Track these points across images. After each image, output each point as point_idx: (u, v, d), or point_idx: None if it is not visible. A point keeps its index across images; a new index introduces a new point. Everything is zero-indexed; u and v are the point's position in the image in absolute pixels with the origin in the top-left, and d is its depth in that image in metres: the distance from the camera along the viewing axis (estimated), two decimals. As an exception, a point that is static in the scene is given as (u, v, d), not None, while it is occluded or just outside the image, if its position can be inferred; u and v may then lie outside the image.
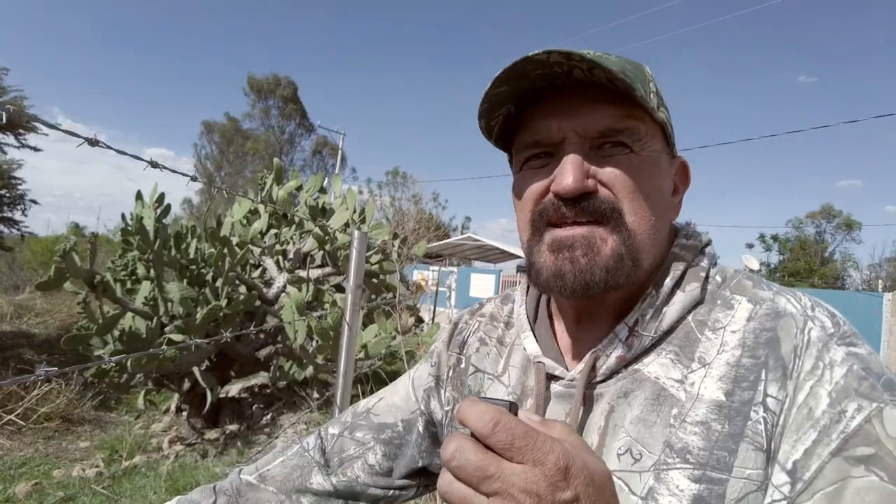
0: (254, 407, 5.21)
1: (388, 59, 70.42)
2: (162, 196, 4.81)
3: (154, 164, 0.88)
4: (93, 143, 0.72)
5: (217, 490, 0.77)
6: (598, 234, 0.56)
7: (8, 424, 5.26)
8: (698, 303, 0.58)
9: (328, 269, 5.64)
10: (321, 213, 5.78)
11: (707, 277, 0.60)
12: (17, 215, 8.86)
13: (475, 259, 25.49)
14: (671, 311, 0.57)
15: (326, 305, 4.95)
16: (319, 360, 4.57)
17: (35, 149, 8.42)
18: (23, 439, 5.20)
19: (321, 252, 5.71)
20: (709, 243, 0.64)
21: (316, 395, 5.19)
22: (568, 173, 0.56)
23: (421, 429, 0.78)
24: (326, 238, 5.40)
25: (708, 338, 0.55)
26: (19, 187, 8.70)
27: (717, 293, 0.59)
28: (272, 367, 5.02)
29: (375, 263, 5.77)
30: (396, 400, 0.80)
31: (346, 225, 5.44)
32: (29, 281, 14.38)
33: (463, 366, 0.75)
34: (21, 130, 8.47)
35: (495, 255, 23.78)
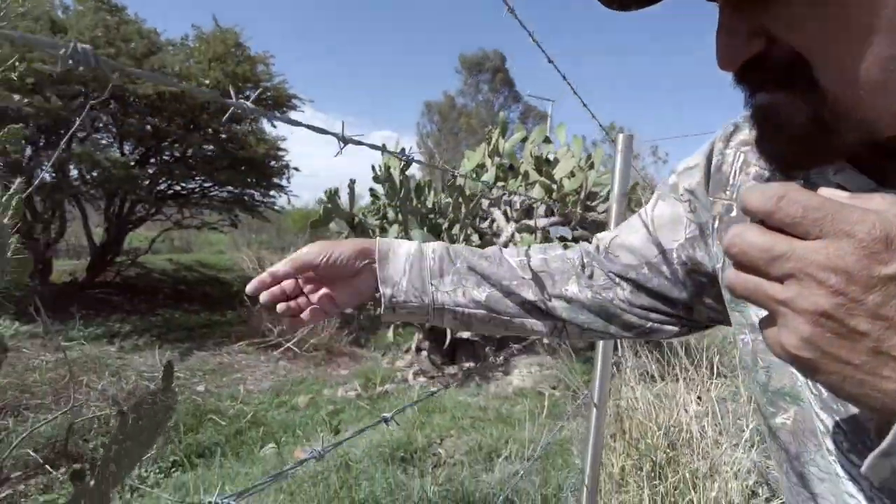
0: (486, 349, 5.44)
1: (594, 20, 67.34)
2: (404, 149, 5.20)
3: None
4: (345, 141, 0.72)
5: (476, 264, 0.73)
6: (782, 103, 0.42)
7: (287, 351, 6.30)
8: None
9: (554, 219, 5.59)
10: (546, 163, 5.73)
11: None
12: (283, 181, 10.45)
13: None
14: None
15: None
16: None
17: (297, 123, 9.77)
18: (298, 364, 6.19)
19: (547, 202, 5.67)
20: None
21: (545, 340, 5.22)
22: (717, 52, 0.43)
23: (678, 273, 0.68)
24: (553, 187, 5.34)
25: None
26: (284, 158, 10.23)
27: None
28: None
29: (602, 212, 5.55)
30: (634, 241, 0.71)
31: (572, 173, 5.31)
32: (292, 244, 17.10)
33: (735, 214, 0.57)
34: (285, 108, 9.91)
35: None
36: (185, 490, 2.73)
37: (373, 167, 4.85)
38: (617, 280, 0.71)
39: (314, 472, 2.66)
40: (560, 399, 4.14)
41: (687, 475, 1.90)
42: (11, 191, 1.29)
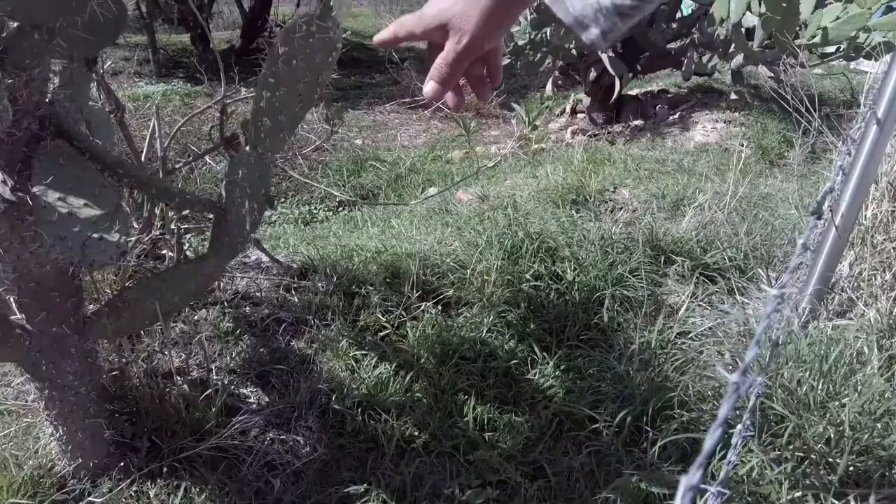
0: (657, 107, 4.77)
1: None
2: None
3: None
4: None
5: None
6: None
7: (437, 111, 6.10)
8: None
9: None
10: None
11: None
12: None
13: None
14: None
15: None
16: (754, 44, 3.69)
17: None
18: (448, 124, 5.99)
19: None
20: None
21: (734, 95, 4.41)
22: None
23: None
24: None
25: None
26: None
27: None
28: (686, 61, 4.35)
29: None
30: None
31: None
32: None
33: None
34: None
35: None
36: (353, 223, 2.74)
37: None
38: None
39: (480, 211, 2.49)
40: (751, 157, 3.54)
41: None
42: None
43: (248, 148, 0.89)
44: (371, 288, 1.75)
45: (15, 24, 0.79)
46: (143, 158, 1.81)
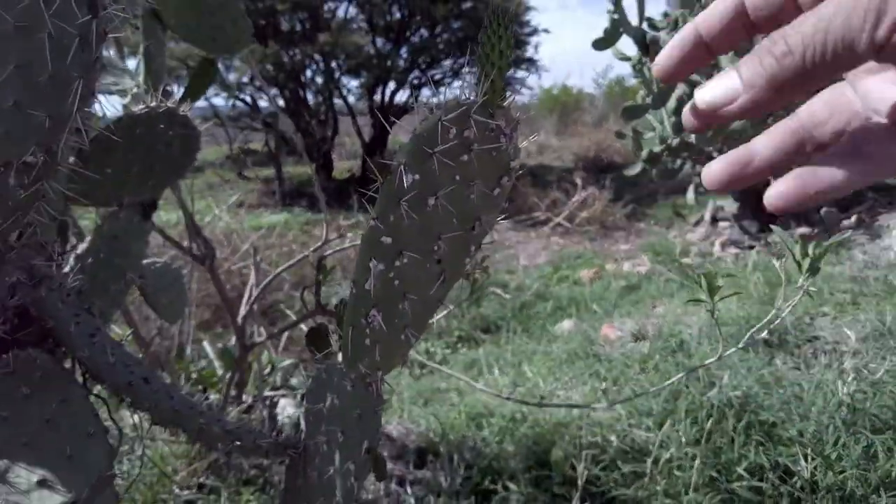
0: (821, 210, 4.06)
1: None
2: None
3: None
4: None
5: None
6: None
7: (558, 226, 5.73)
8: None
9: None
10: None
11: None
12: (531, 50, 9.59)
13: None
14: None
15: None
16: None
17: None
18: (570, 239, 5.58)
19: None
20: None
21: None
22: None
23: None
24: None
25: None
26: (530, 22, 9.30)
27: None
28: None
29: None
30: None
31: None
32: (542, 128, 16.50)
33: None
34: None
35: None
36: (476, 368, 2.31)
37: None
38: None
39: (641, 357, 1.97)
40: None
41: None
42: None
43: (341, 360, 0.51)
44: (511, 485, 1.27)
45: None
46: (240, 315, 1.53)
